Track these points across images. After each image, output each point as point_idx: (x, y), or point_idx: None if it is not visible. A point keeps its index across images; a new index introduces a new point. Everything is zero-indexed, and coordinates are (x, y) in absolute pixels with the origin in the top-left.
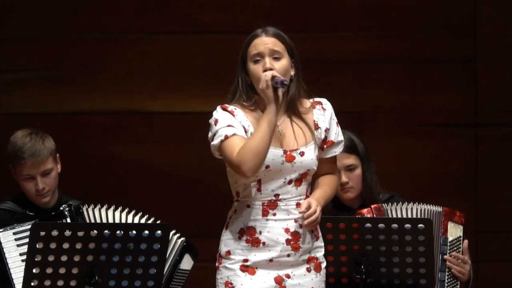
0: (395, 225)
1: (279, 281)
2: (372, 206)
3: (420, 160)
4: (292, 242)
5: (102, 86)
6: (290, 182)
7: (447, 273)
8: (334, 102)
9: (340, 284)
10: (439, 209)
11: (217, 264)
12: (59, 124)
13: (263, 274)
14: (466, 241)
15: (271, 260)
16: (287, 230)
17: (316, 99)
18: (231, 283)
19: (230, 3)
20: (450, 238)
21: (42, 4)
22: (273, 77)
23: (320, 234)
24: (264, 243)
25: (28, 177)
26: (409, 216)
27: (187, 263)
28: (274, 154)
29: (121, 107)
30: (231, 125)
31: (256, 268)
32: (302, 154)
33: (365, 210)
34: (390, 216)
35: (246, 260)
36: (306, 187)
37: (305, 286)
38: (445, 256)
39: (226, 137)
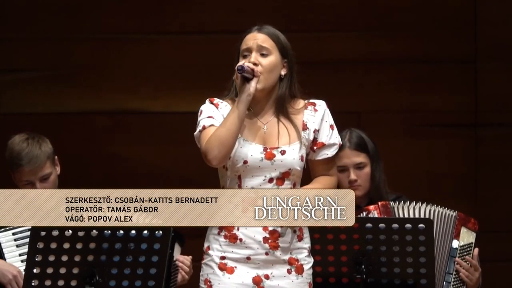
0: (395, 225)
1: (257, 281)
2: (379, 203)
3: (420, 160)
4: (270, 241)
5: (102, 86)
6: (271, 180)
7: (454, 276)
8: (334, 102)
9: (341, 284)
10: (454, 213)
11: (201, 261)
12: (58, 125)
13: (242, 273)
14: (476, 249)
15: (248, 258)
16: (265, 228)
17: (311, 100)
18: (209, 281)
19: (230, 3)
20: (461, 243)
21: (42, 4)
22: (238, 67)
23: (305, 235)
24: (241, 240)
25: (27, 183)
26: (417, 216)
27: (176, 252)
28: (254, 149)
29: (121, 107)
30: (211, 117)
31: (235, 267)
32: (283, 152)
33: (372, 207)
34: (396, 214)
35: (223, 258)
36: (290, 186)
37: None
38: (457, 259)
39: (204, 128)
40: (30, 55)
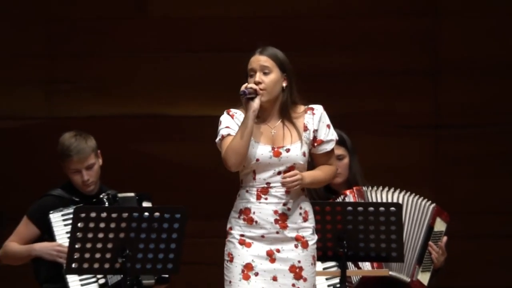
0: (371, 208)
1: (270, 254)
2: (354, 188)
3: (391, 155)
4: (280, 222)
5: (132, 94)
6: (279, 173)
7: (426, 254)
8: (324, 106)
9: (327, 256)
10: (432, 204)
11: (226, 238)
12: (99, 126)
13: (258, 247)
14: (445, 237)
15: (263, 236)
16: (275, 212)
17: (310, 106)
18: (231, 254)
19: (237, 26)
20: (435, 229)
21: (85, 27)
22: (243, 90)
23: (310, 217)
24: (256, 222)
25: (75, 171)
26: (390, 200)
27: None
28: (263, 150)
29: (147, 112)
30: (228, 127)
31: (252, 242)
32: (288, 150)
33: (348, 191)
34: (368, 197)
35: (242, 235)
36: None
37: (292, 259)
38: (430, 243)
39: (223, 137)
40: (75, 69)
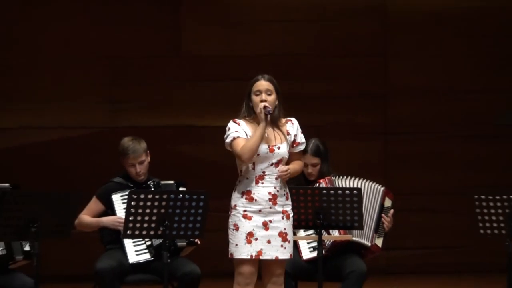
0: (340, 191)
1: (265, 224)
2: (326, 178)
3: (354, 153)
4: (272, 200)
5: (170, 111)
6: (272, 164)
7: (380, 224)
8: (304, 120)
9: (308, 226)
10: (382, 188)
11: (229, 213)
12: (148, 133)
13: (256, 219)
14: (392, 210)
15: (260, 211)
16: (269, 193)
17: (289, 118)
18: (237, 225)
19: (243, 62)
20: (385, 205)
21: (137, 64)
22: (265, 107)
23: (289, 197)
24: (256, 200)
25: (131, 165)
26: (353, 185)
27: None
28: (262, 147)
29: (181, 123)
30: (237, 131)
31: (252, 216)
32: (278, 148)
33: (322, 180)
34: (337, 183)
35: (245, 211)
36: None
37: (280, 227)
38: (382, 215)
39: (234, 138)
40: (131, 93)
